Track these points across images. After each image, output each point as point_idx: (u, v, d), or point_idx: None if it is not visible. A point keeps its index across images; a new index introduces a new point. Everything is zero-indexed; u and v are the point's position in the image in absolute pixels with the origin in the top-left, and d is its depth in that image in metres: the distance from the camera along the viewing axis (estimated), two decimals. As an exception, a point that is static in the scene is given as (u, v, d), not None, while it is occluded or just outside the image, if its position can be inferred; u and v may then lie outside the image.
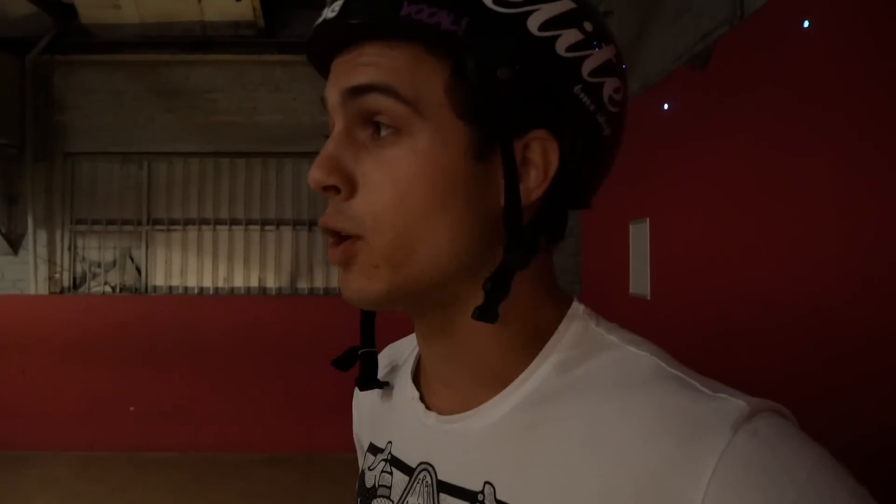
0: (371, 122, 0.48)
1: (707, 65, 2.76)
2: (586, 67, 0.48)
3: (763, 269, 2.31)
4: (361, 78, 0.48)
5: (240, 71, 5.70)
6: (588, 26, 0.49)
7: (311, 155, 5.24)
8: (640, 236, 3.49)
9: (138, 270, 5.80)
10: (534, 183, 0.49)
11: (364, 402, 0.70)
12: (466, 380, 0.54)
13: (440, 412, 0.56)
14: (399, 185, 0.47)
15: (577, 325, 0.53)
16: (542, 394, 0.50)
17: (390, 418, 0.62)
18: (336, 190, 0.48)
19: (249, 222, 5.76)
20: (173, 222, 5.77)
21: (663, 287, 3.28)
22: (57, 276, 5.77)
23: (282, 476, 4.58)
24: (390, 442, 0.60)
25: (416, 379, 0.62)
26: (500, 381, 0.52)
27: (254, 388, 5.09)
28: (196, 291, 5.71)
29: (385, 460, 0.60)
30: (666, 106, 3.21)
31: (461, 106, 0.47)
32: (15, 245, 5.75)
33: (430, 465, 0.54)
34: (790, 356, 2.13)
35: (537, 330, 0.53)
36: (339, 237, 0.50)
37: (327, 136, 0.51)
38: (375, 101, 0.47)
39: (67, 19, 5.50)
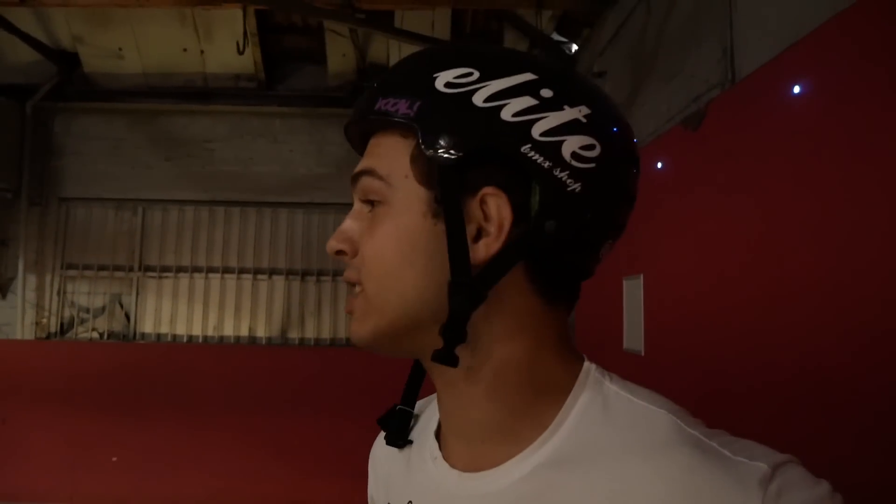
0: (366, 198, 0.58)
1: (699, 126, 2.82)
2: (537, 129, 0.52)
3: (758, 327, 2.31)
4: (359, 166, 0.59)
5: (239, 122, 5.78)
6: (546, 93, 0.53)
7: (306, 206, 5.28)
8: (633, 292, 3.50)
9: (127, 317, 5.75)
10: (492, 236, 0.54)
11: (381, 461, 0.72)
12: (477, 434, 0.57)
13: (462, 469, 0.58)
14: (377, 243, 0.56)
15: (592, 384, 0.56)
16: (563, 454, 0.52)
17: (410, 477, 0.64)
18: (344, 253, 0.59)
19: (242, 271, 5.74)
20: (165, 269, 5.75)
21: (657, 343, 3.27)
22: (44, 320, 5.71)
23: (266, 532, 4.45)
24: (410, 502, 0.62)
25: (438, 436, 0.64)
26: (512, 438, 0.55)
27: (241, 439, 4.98)
28: (185, 340, 5.66)
29: None
30: (659, 165, 3.27)
31: (421, 174, 0.55)
32: (3, 288, 5.70)
33: None
34: (787, 418, 2.11)
35: (545, 389, 0.55)
36: (352, 288, 0.59)
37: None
38: (367, 182, 0.57)
39: (71, 67, 5.59)
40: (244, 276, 5.74)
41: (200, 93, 5.65)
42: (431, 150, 0.53)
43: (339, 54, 5.42)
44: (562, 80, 0.55)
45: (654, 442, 0.49)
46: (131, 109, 5.72)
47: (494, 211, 0.53)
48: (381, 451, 0.72)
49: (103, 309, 5.77)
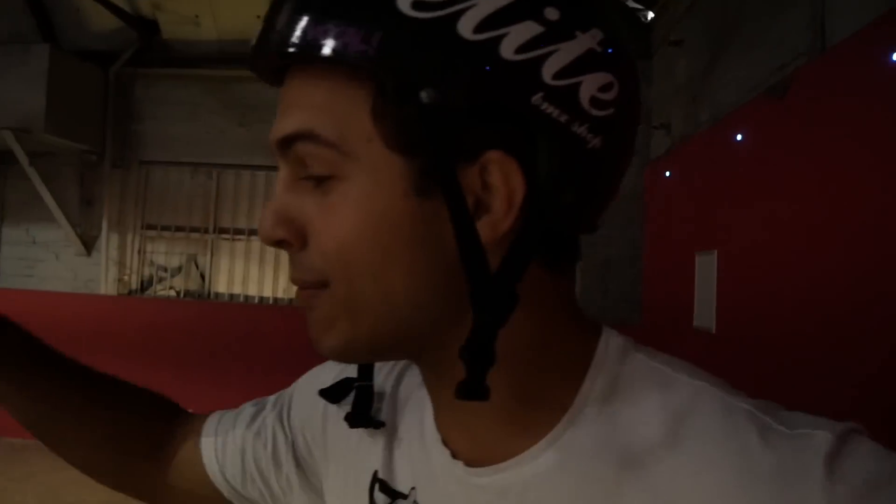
0: (307, 170, 0.43)
1: (785, 95, 2.68)
2: (549, 69, 0.39)
3: (838, 306, 2.21)
4: (286, 125, 0.43)
5: (310, 87, 5.84)
6: (552, 13, 0.39)
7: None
8: (706, 268, 3.40)
9: (202, 277, 5.96)
10: (499, 213, 0.41)
11: (332, 418, 0.60)
12: (481, 425, 0.47)
13: (467, 461, 0.48)
14: (340, 234, 0.41)
15: (614, 358, 0.46)
16: (591, 442, 0.43)
17: (412, 458, 0.53)
18: (287, 243, 0.44)
19: (311, 235, 5.86)
20: (238, 231, 5.92)
21: (730, 320, 3.18)
22: (126, 277, 5.99)
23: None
24: (414, 488, 0.52)
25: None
26: (524, 428, 0.45)
27: (307, 399, 5.14)
28: (256, 300, 5.84)
29: None
30: (739, 136, 3.13)
31: (391, 137, 0.40)
32: (89, 246, 6.00)
33: None
34: (868, 403, 2.02)
35: (558, 370, 0.46)
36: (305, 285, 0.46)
37: None
38: (302, 149, 0.42)
39: (150, 34, 5.76)
40: (313, 240, 5.85)
41: (273, 59, 5.73)
42: (408, 104, 0.39)
43: (410, 20, 5.39)
44: None
45: (697, 425, 0.41)
46: (207, 75, 5.86)
47: (500, 181, 0.40)
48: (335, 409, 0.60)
49: (180, 268, 6.01)
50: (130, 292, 5.97)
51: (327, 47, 0.39)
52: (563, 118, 0.40)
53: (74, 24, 5.79)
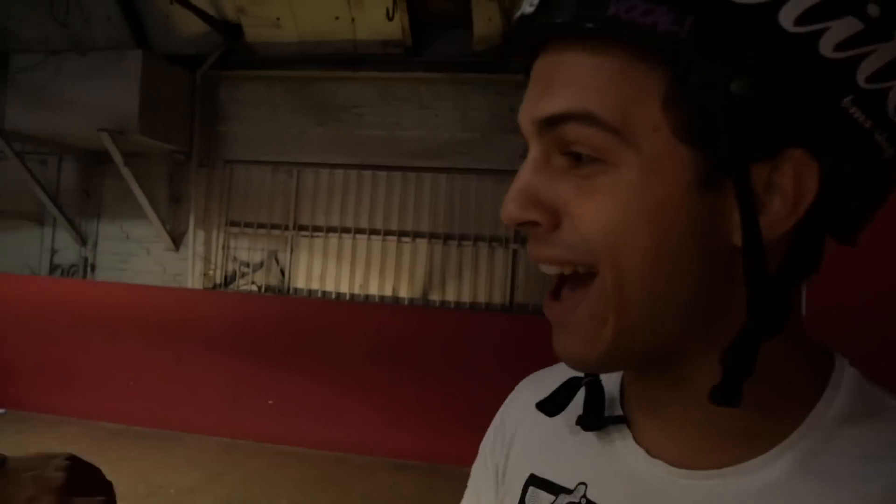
0: (569, 150, 0.40)
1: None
2: (864, 71, 0.36)
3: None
4: (555, 104, 0.40)
5: (386, 87, 5.92)
6: (874, 9, 0.36)
7: (449, 171, 5.31)
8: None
9: (282, 272, 6.15)
10: (779, 214, 0.38)
11: (524, 420, 0.58)
12: (699, 434, 0.45)
13: (670, 462, 0.46)
14: (607, 220, 0.39)
15: (853, 383, 0.44)
16: (822, 462, 0.42)
17: (581, 454, 0.51)
18: (535, 224, 0.42)
19: (387, 233, 5.94)
20: (317, 229, 6.07)
21: (815, 326, 3.02)
22: (211, 272, 6.24)
23: (405, 482, 4.65)
24: (584, 483, 0.50)
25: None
26: (747, 440, 0.43)
27: (382, 393, 5.22)
28: (333, 296, 5.97)
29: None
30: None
31: (683, 127, 0.38)
32: (177, 242, 6.29)
33: None
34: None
35: (797, 383, 0.44)
36: (562, 276, 0.43)
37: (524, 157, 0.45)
38: (573, 130, 0.39)
39: (234, 37, 5.98)
40: (389, 237, 5.93)
41: (350, 59, 5.84)
42: (714, 94, 0.36)
43: (486, 19, 5.38)
44: None
45: None
46: (287, 76, 6.04)
47: (790, 181, 0.38)
48: (529, 411, 0.57)
49: (261, 264, 6.21)
50: (215, 286, 6.22)
51: (632, 25, 0.36)
52: (868, 124, 0.37)
53: (164, 30, 6.08)
